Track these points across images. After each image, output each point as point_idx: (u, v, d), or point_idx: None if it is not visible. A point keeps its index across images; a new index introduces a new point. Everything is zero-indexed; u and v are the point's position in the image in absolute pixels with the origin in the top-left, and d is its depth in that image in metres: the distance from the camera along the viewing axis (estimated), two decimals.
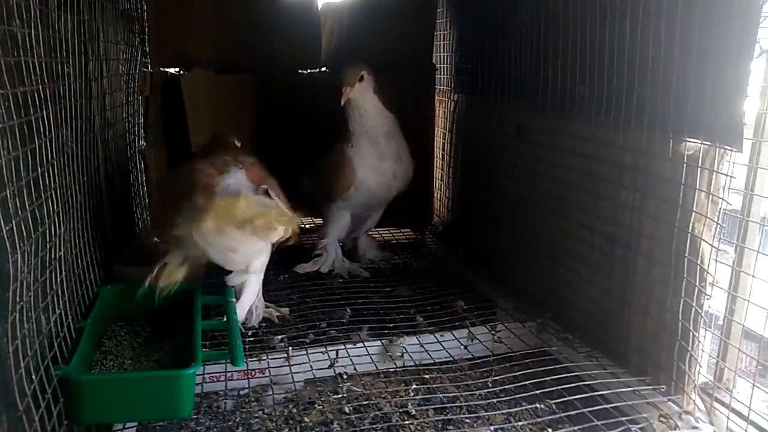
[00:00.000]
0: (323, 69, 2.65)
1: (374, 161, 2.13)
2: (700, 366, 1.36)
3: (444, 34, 2.75)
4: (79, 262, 1.41)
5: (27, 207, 1.06)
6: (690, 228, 1.36)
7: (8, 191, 0.97)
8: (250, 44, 2.48)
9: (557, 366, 1.56)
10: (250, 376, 1.53)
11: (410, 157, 2.23)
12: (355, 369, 1.60)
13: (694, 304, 1.35)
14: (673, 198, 1.39)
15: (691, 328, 1.35)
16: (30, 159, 1.10)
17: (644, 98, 1.47)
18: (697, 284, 1.34)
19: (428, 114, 2.75)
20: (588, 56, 1.65)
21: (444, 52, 2.76)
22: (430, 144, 2.76)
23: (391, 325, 1.80)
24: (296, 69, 2.63)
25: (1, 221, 0.94)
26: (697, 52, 1.30)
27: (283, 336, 1.71)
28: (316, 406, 1.48)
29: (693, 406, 1.36)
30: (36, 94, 1.13)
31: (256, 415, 1.44)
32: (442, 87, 2.78)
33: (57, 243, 1.23)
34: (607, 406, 1.34)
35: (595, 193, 1.66)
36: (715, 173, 1.31)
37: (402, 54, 2.63)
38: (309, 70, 2.65)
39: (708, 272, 1.32)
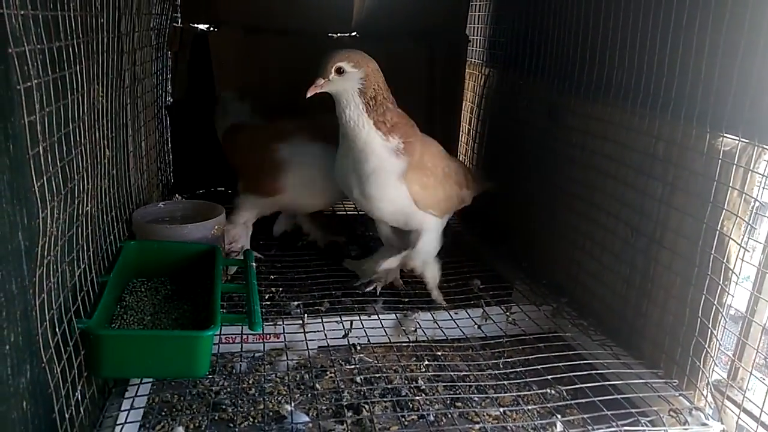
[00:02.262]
0: (353, 34, 2.61)
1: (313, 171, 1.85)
2: (716, 363, 1.36)
3: (480, 4, 2.69)
4: (104, 217, 1.43)
5: (58, 163, 1.07)
6: (719, 225, 1.33)
7: (40, 147, 0.98)
8: (281, 5, 2.44)
9: (570, 352, 1.57)
10: (265, 340, 1.56)
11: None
12: (368, 340, 1.62)
13: (715, 302, 1.33)
14: (705, 194, 1.36)
15: (710, 325, 1.34)
16: (62, 114, 1.10)
17: (684, 88, 1.43)
18: (721, 282, 1.32)
19: (457, 87, 2.71)
20: (629, 39, 1.61)
21: (479, 24, 2.70)
22: (457, 117, 2.73)
23: (406, 299, 1.81)
24: (326, 32, 2.59)
25: (33, 177, 0.95)
26: (744, 45, 1.26)
27: (299, 302, 1.74)
28: (327, 373, 1.50)
29: (704, 402, 1.35)
30: (69, 49, 1.13)
31: (269, 378, 1.47)
32: (473, 60, 2.73)
33: (84, 198, 1.25)
34: (618, 396, 1.35)
35: (623, 182, 1.63)
36: (750, 172, 1.28)
37: (435, 22, 2.59)
38: (339, 34, 2.61)
39: (733, 271, 1.30)
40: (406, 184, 1.68)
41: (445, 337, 1.67)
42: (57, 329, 1.06)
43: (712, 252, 1.34)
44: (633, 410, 1.30)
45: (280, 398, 1.38)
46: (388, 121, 1.64)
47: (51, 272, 1.04)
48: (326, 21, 2.55)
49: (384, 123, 1.63)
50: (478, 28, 2.70)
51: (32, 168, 0.95)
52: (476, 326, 1.71)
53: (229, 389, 1.41)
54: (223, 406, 1.35)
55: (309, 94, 1.58)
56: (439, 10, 2.60)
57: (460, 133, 2.77)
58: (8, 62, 0.88)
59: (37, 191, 0.96)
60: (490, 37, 2.60)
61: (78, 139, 1.20)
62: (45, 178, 1.00)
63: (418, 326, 1.68)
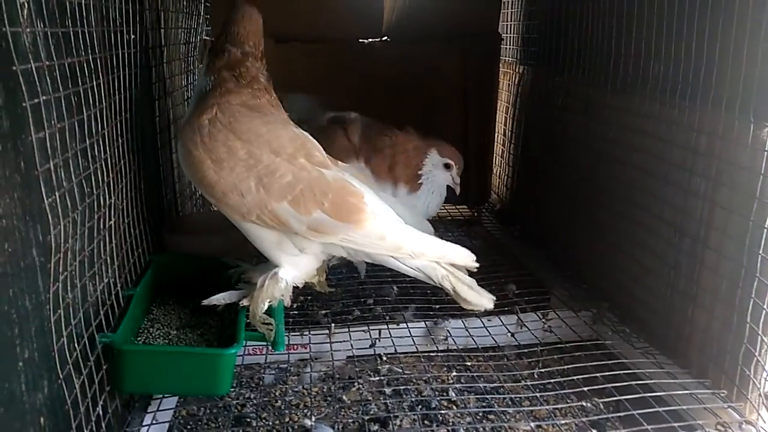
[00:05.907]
0: (384, 38, 2.58)
1: None
2: (767, 372, 1.25)
3: (512, 1, 2.62)
4: (132, 230, 1.44)
5: (73, 178, 1.07)
6: (767, 222, 1.23)
7: (51, 163, 0.98)
8: (311, 13, 2.44)
9: (610, 361, 1.48)
10: (291, 350, 1.54)
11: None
12: (395, 350, 1.57)
13: (765, 306, 1.23)
14: (750, 189, 1.26)
15: (760, 331, 1.24)
16: (78, 130, 1.11)
17: (724, 77, 1.33)
18: None
19: (491, 86, 2.65)
20: (665, 28, 1.52)
21: (511, 21, 2.64)
22: (492, 118, 2.67)
23: (437, 306, 1.75)
24: (357, 38, 2.57)
25: (43, 193, 0.96)
26: None
27: (328, 311, 1.71)
28: (355, 384, 1.47)
29: (756, 415, 1.25)
30: (85, 64, 1.13)
31: (296, 389, 1.45)
32: (507, 58, 2.66)
33: (107, 212, 1.25)
34: (660, 409, 1.26)
35: (664, 179, 1.54)
36: None
37: (467, 22, 2.54)
38: (370, 40, 2.59)
39: None
40: (181, 139, 1.29)
41: (476, 346, 1.61)
42: (76, 344, 1.06)
43: (760, 251, 1.24)
44: (676, 424, 1.20)
45: (305, 411, 1.36)
46: (228, 62, 1.43)
47: (69, 287, 1.04)
48: (356, 27, 2.54)
49: (222, 58, 1.42)
50: (510, 25, 2.64)
51: (42, 184, 0.95)
52: (510, 334, 1.64)
53: (254, 401, 1.40)
54: (248, 419, 1.33)
55: None
56: (471, 10, 2.56)
57: (496, 134, 2.71)
58: (15, 80, 0.88)
59: (48, 207, 0.97)
60: (523, 34, 2.53)
61: (98, 153, 1.21)
62: (57, 194, 1.00)
63: (448, 335, 1.63)
